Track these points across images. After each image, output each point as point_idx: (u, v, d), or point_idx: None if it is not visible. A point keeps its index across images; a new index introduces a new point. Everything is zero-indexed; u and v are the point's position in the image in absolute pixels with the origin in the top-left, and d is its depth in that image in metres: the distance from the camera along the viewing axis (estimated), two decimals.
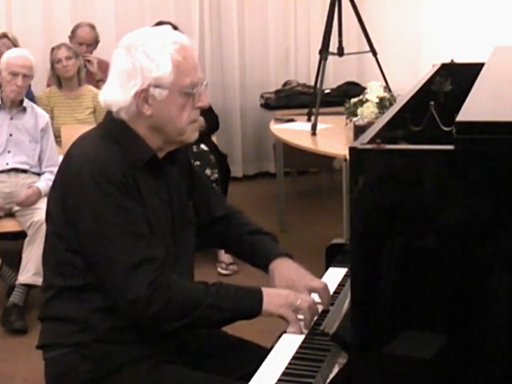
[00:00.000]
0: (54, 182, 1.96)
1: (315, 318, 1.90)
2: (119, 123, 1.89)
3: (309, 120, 4.93)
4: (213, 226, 2.14)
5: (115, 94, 1.87)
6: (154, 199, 1.90)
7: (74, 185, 1.85)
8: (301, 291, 1.95)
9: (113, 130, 1.91)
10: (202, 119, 5.05)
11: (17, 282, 3.94)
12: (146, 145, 1.90)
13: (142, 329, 1.87)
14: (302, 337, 1.84)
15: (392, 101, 4.26)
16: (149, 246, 1.82)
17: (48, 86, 5.35)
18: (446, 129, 1.72)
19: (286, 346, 1.81)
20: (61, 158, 2.19)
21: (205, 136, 5.09)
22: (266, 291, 1.89)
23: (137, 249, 1.80)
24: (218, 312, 1.84)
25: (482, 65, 1.98)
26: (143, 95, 1.84)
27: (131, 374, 1.87)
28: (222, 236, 2.16)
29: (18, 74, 4.13)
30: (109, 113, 1.93)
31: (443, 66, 2.31)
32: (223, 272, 4.50)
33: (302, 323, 1.87)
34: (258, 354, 1.85)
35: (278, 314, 1.87)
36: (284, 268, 2.02)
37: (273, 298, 1.88)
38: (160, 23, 5.11)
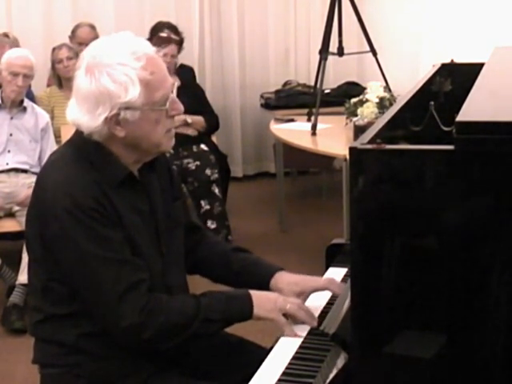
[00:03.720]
0: (31, 205, 1.89)
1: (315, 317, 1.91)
2: (91, 144, 1.83)
3: (309, 120, 4.93)
4: (188, 229, 2.09)
5: (83, 119, 1.79)
6: (133, 215, 1.85)
7: (49, 219, 1.79)
8: (308, 290, 2.00)
9: (86, 150, 1.84)
10: (202, 119, 5.06)
11: (17, 282, 3.94)
12: (120, 163, 1.85)
13: None
14: (302, 337, 1.85)
15: (392, 101, 4.26)
16: (133, 269, 1.79)
17: (48, 85, 5.36)
18: (445, 129, 1.72)
19: (286, 346, 1.81)
20: None
21: (205, 136, 5.08)
22: (254, 295, 1.89)
23: (122, 276, 1.77)
24: (212, 324, 1.85)
25: (481, 65, 1.98)
26: (114, 119, 1.78)
27: None
28: (201, 249, 2.12)
29: (18, 74, 4.14)
30: (79, 131, 1.85)
31: (443, 65, 2.31)
32: None
33: (294, 327, 1.87)
34: (258, 355, 1.85)
35: (268, 319, 1.88)
36: (285, 276, 2.03)
37: (262, 301, 1.88)
38: (160, 23, 5.11)
